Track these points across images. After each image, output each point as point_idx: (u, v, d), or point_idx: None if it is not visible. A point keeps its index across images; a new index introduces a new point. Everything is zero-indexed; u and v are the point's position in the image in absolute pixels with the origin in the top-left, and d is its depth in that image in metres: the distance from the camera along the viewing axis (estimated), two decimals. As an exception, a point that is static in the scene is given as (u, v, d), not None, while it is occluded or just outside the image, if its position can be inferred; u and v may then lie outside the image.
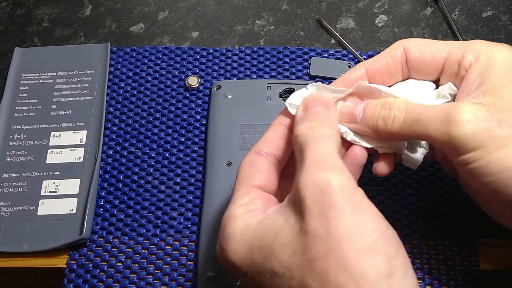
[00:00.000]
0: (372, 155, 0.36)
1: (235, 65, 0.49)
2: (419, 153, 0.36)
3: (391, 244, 0.27)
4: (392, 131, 0.32)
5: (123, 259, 0.40)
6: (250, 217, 0.30)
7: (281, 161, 0.33)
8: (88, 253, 0.41)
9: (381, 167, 0.35)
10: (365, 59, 0.49)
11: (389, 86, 0.36)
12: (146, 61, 0.50)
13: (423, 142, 0.36)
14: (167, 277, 0.40)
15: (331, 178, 0.27)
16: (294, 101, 0.34)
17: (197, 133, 0.46)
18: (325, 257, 0.26)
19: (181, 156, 0.45)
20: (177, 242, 0.41)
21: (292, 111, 0.33)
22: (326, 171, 0.28)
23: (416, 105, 0.32)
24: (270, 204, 0.31)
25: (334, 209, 0.27)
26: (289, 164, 0.34)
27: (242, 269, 0.29)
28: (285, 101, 0.45)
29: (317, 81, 0.48)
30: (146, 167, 0.44)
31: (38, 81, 0.48)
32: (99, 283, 0.39)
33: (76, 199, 0.42)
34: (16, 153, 0.44)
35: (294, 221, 0.28)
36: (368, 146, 0.34)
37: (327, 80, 0.48)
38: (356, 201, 0.27)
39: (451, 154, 0.31)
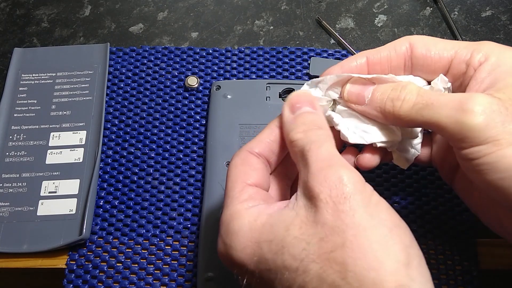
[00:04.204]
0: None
1: (234, 65, 0.49)
2: (411, 154, 0.36)
3: (406, 234, 0.27)
4: (400, 114, 0.31)
5: (122, 260, 0.40)
6: (258, 212, 0.29)
7: (272, 164, 0.33)
8: (88, 253, 0.41)
9: (365, 160, 0.34)
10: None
11: None
12: (145, 62, 0.50)
13: (415, 143, 0.36)
14: (167, 277, 0.40)
15: (343, 174, 0.28)
16: None
17: (197, 133, 0.46)
18: (343, 248, 0.26)
19: (181, 156, 0.45)
20: (177, 242, 0.41)
21: None
22: (336, 168, 0.28)
23: (428, 91, 0.31)
24: (271, 201, 0.31)
25: (349, 201, 0.27)
26: (280, 164, 0.34)
27: (250, 266, 0.28)
28: (284, 101, 0.45)
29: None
30: (145, 167, 0.44)
31: (38, 82, 0.48)
32: (98, 284, 0.39)
33: (75, 199, 0.42)
34: (15, 153, 0.44)
35: (307, 215, 0.28)
36: (356, 142, 0.34)
37: (327, 80, 0.48)
38: (368, 195, 0.28)
39: (459, 145, 0.30)
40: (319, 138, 0.30)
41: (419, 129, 0.35)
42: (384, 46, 0.35)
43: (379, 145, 0.34)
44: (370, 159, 0.34)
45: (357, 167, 0.35)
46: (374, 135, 0.34)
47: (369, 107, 0.33)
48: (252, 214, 0.29)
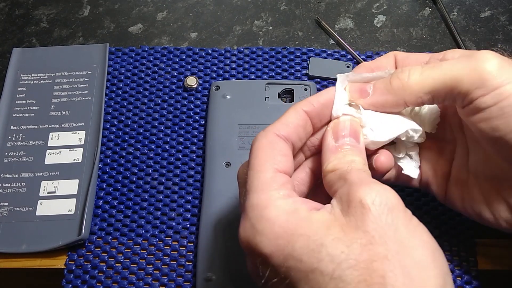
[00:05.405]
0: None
1: (233, 65, 0.49)
2: (415, 163, 0.36)
3: (444, 261, 0.27)
4: (410, 84, 0.31)
5: (121, 260, 0.40)
6: (295, 204, 0.28)
7: (295, 150, 0.32)
8: (87, 253, 0.41)
9: (381, 161, 0.33)
10: (363, 59, 0.49)
11: None
12: (144, 62, 0.50)
13: (414, 153, 0.36)
14: (166, 277, 0.40)
15: (388, 191, 0.27)
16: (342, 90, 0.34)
17: (196, 133, 0.46)
18: (385, 260, 0.25)
19: (180, 156, 0.45)
20: (176, 243, 0.41)
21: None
22: (380, 185, 0.27)
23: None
24: (295, 194, 0.30)
25: (391, 215, 0.26)
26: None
27: (277, 259, 0.26)
28: (284, 101, 0.46)
29: (316, 81, 0.48)
30: (144, 167, 0.44)
31: (37, 82, 0.48)
32: (97, 284, 0.39)
33: (74, 199, 0.42)
34: (14, 153, 0.44)
35: (346, 220, 0.26)
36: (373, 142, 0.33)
37: (326, 80, 0.48)
38: (408, 216, 0.27)
39: (478, 94, 0.30)
40: (359, 169, 0.30)
41: (431, 116, 0.35)
42: (375, 59, 0.36)
43: (411, 133, 0.33)
44: (385, 160, 0.33)
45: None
46: (405, 123, 0.33)
47: (375, 95, 0.32)
48: (289, 204, 0.28)
